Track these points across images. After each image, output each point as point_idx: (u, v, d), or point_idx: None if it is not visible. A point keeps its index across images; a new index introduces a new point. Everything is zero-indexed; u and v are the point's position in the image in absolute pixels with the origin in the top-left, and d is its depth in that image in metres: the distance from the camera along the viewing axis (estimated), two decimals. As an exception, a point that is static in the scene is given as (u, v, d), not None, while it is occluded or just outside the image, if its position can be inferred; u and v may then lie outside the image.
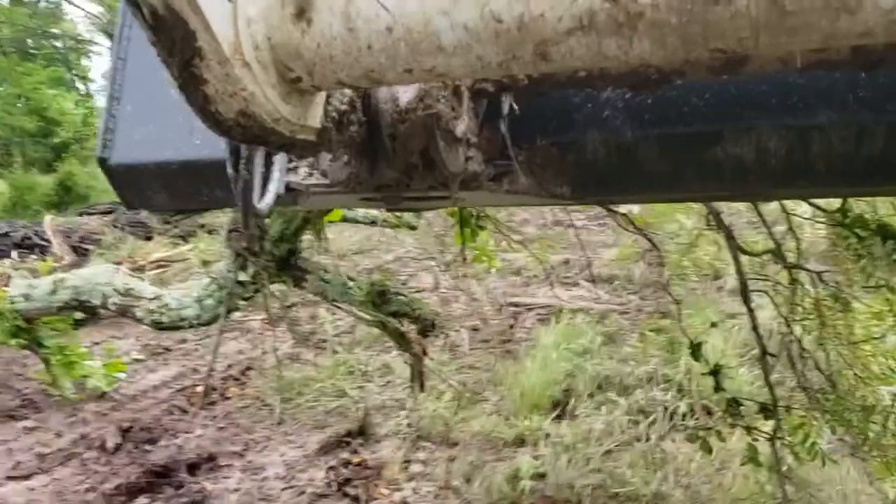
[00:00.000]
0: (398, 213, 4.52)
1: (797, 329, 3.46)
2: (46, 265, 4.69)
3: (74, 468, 5.67)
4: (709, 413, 5.50)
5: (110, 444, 5.97)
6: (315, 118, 0.79)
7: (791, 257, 3.50)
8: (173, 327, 3.52)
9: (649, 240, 4.60)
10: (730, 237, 3.31)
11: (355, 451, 5.75)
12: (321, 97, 0.78)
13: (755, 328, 3.53)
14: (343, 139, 0.82)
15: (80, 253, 11.37)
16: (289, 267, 3.74)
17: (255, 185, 0.96)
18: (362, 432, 6.10)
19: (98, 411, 6.61)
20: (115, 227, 12.44)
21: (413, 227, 4.79)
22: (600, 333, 6.67)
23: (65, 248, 10.96)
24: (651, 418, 5.56)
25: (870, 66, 0.74)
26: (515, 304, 8.27)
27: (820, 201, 3.25)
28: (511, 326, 7.89)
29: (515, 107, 0.88)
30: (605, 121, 0.95)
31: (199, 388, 7.00)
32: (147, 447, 5.72)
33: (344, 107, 0.81)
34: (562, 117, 0.97)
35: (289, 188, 1.04)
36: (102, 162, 1.37)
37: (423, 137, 0.81)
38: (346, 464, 5.60)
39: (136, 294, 3.45)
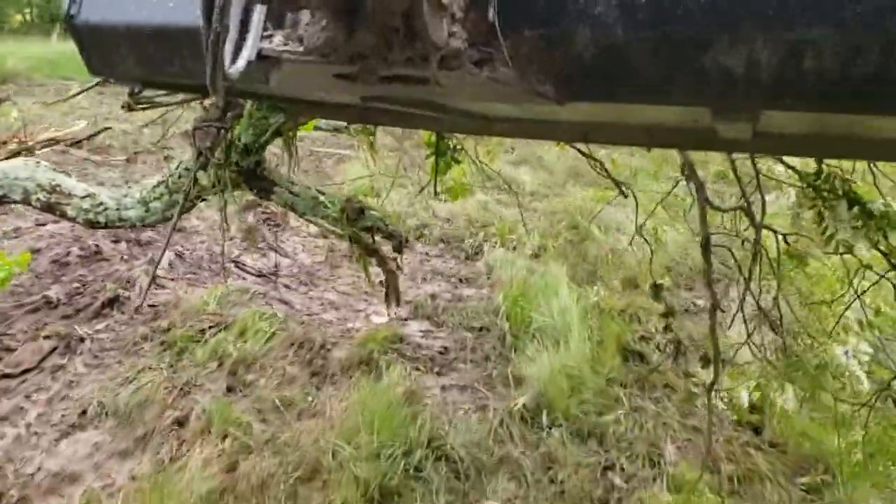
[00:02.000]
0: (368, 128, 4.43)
1: (754, 287, 3.54)
2: None
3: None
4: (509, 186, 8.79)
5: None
6: None
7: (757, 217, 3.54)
8: (112, 227, 3.35)
9: (621, 191, 4.63)
10: (699, 188, 3.32)
11: (266, 208, 8.59)
12: (302, -59, 0.73)
13: (709, 284, 3.60)
14: None
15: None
16: (255, 178, 3.65)
17: (228, 41, 0.90)
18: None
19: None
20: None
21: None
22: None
23: None
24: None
25: None
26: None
27: (796, 163, 3.29)
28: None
29: None
30: (597, 17, 0.91)
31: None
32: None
33: None
34: (553, 10, 0.93)
35: (262, 56, 0.99)
36: (69, 19, 1.29)
37: None
38: (264, 212, 8.81)
39: (63, 191, 3.18)
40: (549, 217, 9.58)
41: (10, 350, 5.37)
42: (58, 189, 3.21)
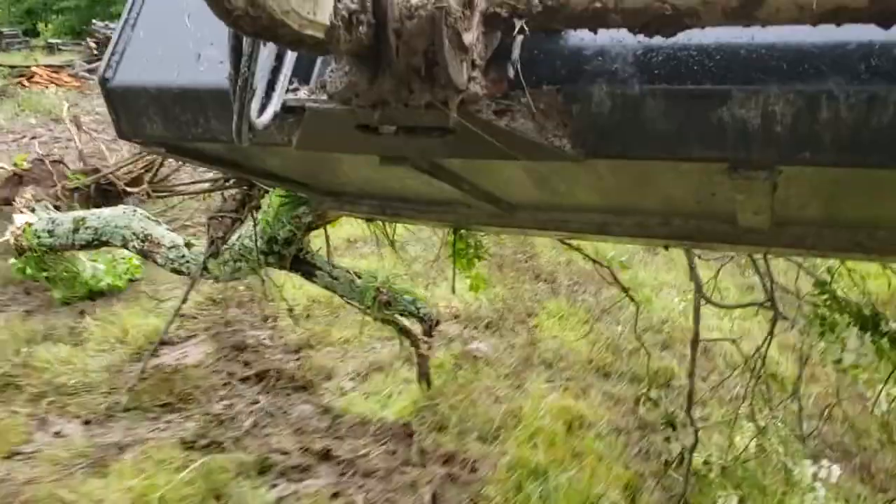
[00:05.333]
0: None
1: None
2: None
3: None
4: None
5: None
6: (324, 14, 0.76)
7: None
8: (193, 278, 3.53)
9: (629, 295, 4.62)
10: (698, 287, 3.29)
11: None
12: (331, -8, 0.75)
13: (691, 375, 3.52)
14: (351, 40, 0.79)
15: None
16: (299, 263, 3.81)
17: (255, 90, 0.91)
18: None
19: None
20: None
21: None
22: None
23: None
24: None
25: (888, 17, 0.71)
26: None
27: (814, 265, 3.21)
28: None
29: (528, 32, 0.84)
30: (613, 73, 0.91)
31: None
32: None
33: (354, 6, 0.78)
34: (571, 67, 0.94)
35: (286, 108, 1.01)
36: (104, 82, 1.33)
37: (429, 36, 0.77)
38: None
39: (154, 240, 3.46)
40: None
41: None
42: (149, 238, 3.51)
